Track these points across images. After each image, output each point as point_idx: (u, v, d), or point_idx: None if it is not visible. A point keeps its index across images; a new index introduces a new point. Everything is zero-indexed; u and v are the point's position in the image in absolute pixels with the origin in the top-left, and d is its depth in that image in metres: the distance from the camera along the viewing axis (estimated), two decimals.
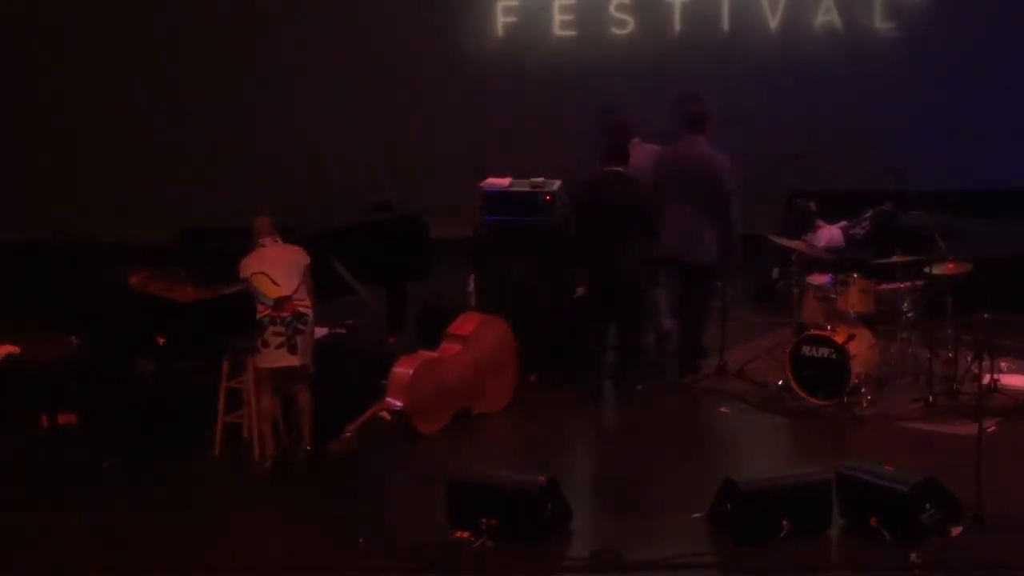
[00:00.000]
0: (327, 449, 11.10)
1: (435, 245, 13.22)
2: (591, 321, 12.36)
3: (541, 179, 12.83)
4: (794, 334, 12.30)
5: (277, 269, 10.98)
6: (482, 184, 12.92)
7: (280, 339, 10.86)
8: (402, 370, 11.63)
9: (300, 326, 10.91)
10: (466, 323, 12.17)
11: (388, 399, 11.51)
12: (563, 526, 9.91)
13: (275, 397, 11.08)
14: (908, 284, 12.13)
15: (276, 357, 10.90)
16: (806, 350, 11.98)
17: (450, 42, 16.10)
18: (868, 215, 14.15)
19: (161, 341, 11.29)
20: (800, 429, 11.79)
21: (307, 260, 11.14)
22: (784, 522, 9.63)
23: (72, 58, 16.08)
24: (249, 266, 11.04)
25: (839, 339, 11.87)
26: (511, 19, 16.15)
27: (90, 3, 16.23)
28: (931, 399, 11.84)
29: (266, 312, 10.87)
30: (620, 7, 16.12)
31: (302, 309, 10.94)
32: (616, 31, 16.18)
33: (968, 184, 15.67)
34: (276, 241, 11.20)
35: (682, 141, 12.44)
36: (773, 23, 16.08)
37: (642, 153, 12.56)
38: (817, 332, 11.99)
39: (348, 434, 11.18)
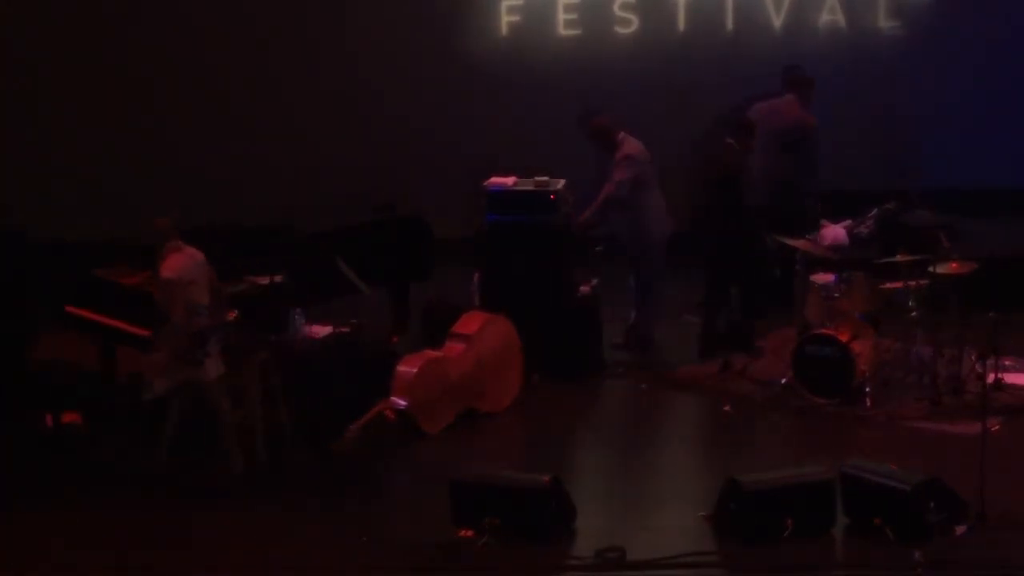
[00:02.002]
0: (330, 448, 11.09)
1: (439, 245, 13.21)
2: (712, 293, 13.07)
3: (545, 177, 12.83)
4: (798, 333, 12.29)
5: (198, 276, 10.51)
6: (486, 183, 12.91)
7: (218, 347, 10.50)
8: (406, 369, 11.62)
9: (229, 332, 10.59)
10: (470, 322, 12.16)
11: (392, 398, 11.50)
12: (567, 525, 9.91)
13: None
14: (912, 283, 12.10)
15: (219, 367, 10.53)
16: (810, 349, 11.96)
17: (454, 41, 16.06)
18: (872, 214, 14.12)
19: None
20: (804, 428, 11.77)
21: (207, 262, 10.61)
22: (788, 521, 9.63)
23: (72, 58, 16.05)
24: (179, 272, 10.38)
25: (843, 338, 11.86)
26: (515, 18, 16.11)
27: (91, 2, 16.20)
28: (935, 398, 11.83)
29: (205, 323, 10.42)
30: (624, 6, 16.08)
31: (228, 316, 10.59)
32: (620, 30, 16.14)
33: (972, 183, 15.64)
34: (185, 244, 10.59)
35: (775, 99, 14.07)
36: (777, 22, 16.04)
37: (631, 144, 13.03)
38: (821, 331, 11.97)
39: (352, 433, 11.17)
